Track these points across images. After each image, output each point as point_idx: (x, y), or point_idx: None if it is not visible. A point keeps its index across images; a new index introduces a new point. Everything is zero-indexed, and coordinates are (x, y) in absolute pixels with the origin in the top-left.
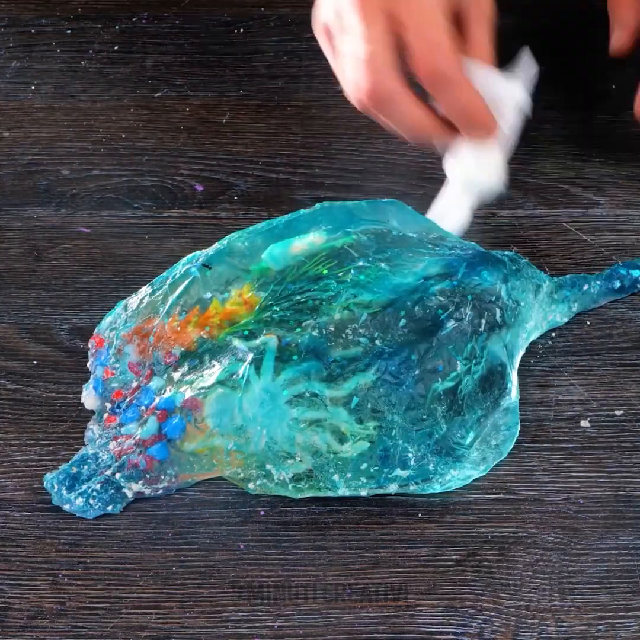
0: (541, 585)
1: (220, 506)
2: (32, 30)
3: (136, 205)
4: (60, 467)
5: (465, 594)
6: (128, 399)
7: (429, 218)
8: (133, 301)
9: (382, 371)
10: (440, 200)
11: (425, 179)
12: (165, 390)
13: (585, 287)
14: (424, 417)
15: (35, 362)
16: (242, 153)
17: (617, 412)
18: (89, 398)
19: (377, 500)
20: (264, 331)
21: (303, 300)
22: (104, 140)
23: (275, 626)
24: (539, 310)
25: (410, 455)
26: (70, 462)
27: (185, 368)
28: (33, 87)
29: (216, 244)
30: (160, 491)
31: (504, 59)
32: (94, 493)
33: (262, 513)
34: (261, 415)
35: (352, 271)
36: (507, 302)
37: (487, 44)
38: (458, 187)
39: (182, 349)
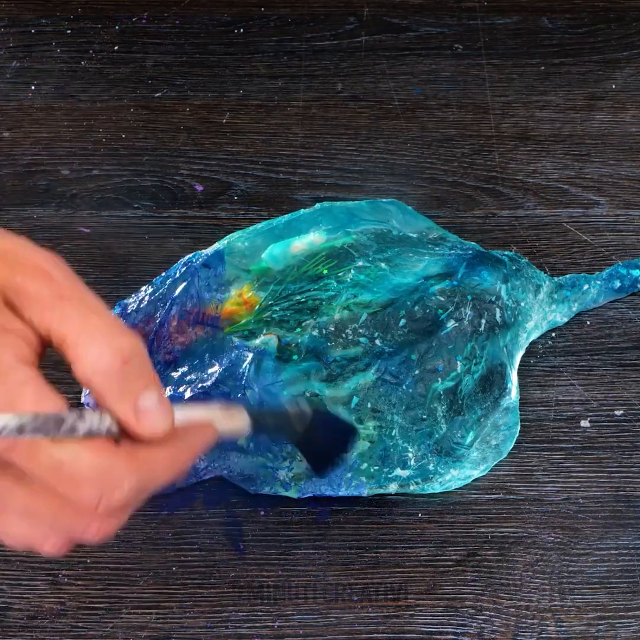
0: (541, 585)
1: (220, 506)
2: (32, 30)
3: (136, 205)
4: None
5: (465, 594)
6: None
7: (428, 218)
8: (133, 301)
9: (382, 371)
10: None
11: (425, 179)
12: (165, 390)
13: (585, 287)
14: (424, 417)
15: None
16: (242, 153)
17: (617, 412)
18: (89, 398)
19: (377, 500)
20: (264, 331)
21: (303, 300)
22: (104, 140)
23: (275, 626)
24: (539, 310)
25: (410, 455)
26: None
27: (185, 368)
28: (33, 87)
29: (216, 244)
30: (160, 491)
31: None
32: None
33: (262, 513)
34: None
35: (352, 271)
36: (507, 302)
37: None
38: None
39: (182, 349)
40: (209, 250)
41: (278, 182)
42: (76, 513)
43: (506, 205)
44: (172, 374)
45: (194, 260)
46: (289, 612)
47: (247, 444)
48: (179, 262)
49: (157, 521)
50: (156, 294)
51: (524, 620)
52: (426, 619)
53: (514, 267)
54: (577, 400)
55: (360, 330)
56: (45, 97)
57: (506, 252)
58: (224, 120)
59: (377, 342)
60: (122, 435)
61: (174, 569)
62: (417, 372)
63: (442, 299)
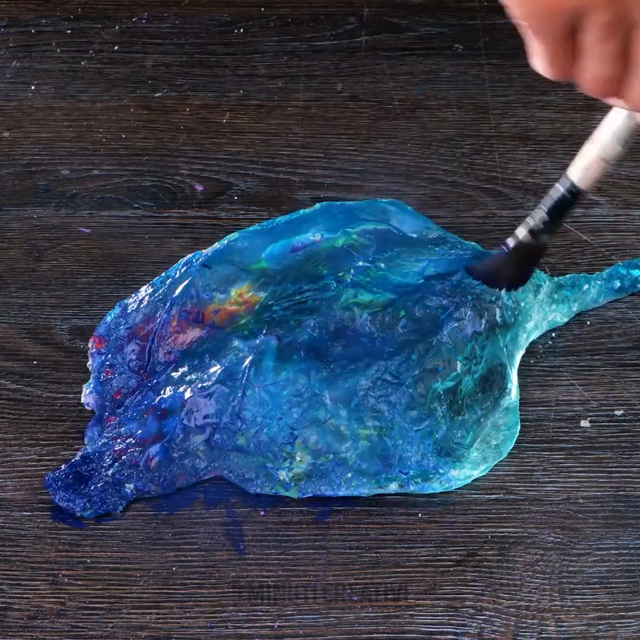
0: (541, 585)
1: (220, 506)
2: (32, 30)
3: (136, 205)
4: (60, 467)
5: (465, 594)
6: (128, 399)
7: (428, 218)
8: (133, 301)
9: (382, 371)
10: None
11: (426, 179)
12: (165, 390)
13: (585, 287)
14: (424, 417)
15: (35, 362)
16: (242, 153)
17: (617, 412)
18: (89, 398)
19: (377, 500)
20: (264, 331)
21: (303, 300)
22: (104, 140)
23: (275, 626)
24: (539, 310)
25: (410, 455)
26: (70, 462)
27: (185, 368)
28: (33, 87)
29: (216, 244)
30: (160, 491)
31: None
32: (94, 493)
33: (262, 513)
34: (261, 415)
35: (352, 271)
36: (507, 302)
37: None
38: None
39: (182, 349)
40: (209, 250)
41: (278, 182)
42: None
43: (506, 205)
44: (172, 374)
45: (194, 260)
46: (289, 612)
47: (248, 444)
48: (179, 262)
49: (157, 521)
50: (156, 294)
51: (524, 620)
52: (426, 619)
53: None
54: (577, 400)
55: (360, 330)
56: (45, 97)
57: None
58: (224, 120)
59: (377, 342)
60: None
61: (174, 569)
62: (417, 372)
63: (442, 299)
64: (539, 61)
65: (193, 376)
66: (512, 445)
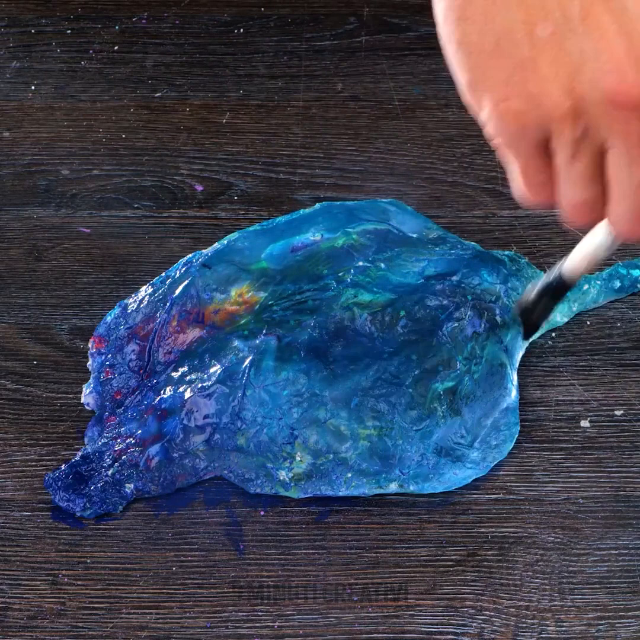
0: (541, 585)
1: (220, 506)
2: (32, 30)
3: (136, 205)
4: (60, 467)
5: (465, 594)
6: (128, 399)
7: (428, 218)
8: (133, 301)
9: (382, 371)
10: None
11: (425, 179)
12: (165, 390)
13: (585, 287)
14: (424, 417)
15: (35, 362)
16: (242, 153)
17: (617, 412)
18: (89, 398)
19: (377, 500)
20: (264, 331)
21: (303, 300)
22: (104, 140)
23: (275, 626)
24: None
25: (410, 455)
26: (70, 462)
27: (185, 368)
28: (33, 87)
29: (216, 244)
30: (160, 491)
31: None
32: (94, 493)
33: (262, 513)
34: (261, 415)
35: (352, 271)
36: (507, 302)
37: None
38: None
39: (182, 349)
40: (209, 250)
41: (278, 182)
42: None
43: (506, 205)
44: (172, 374)
45: (194, 260)
46: (289, 612)
47: (248, 444)
48: (179, 262)
49: (157, 521)
50: (156, 294)
51: (524, 620)
52: (426, 619)
53: (514, 267)
54: (577, 400)
55: (360, 330)
56: (45, 97)
57: (506, 252)
58: (224, 120)
59: (377, 342)
60: None
61: (174, 569)
62: (417, 372)
63: (442, 299)
64: (516, 185)
65: (193, 376)
66: (512, 445)
